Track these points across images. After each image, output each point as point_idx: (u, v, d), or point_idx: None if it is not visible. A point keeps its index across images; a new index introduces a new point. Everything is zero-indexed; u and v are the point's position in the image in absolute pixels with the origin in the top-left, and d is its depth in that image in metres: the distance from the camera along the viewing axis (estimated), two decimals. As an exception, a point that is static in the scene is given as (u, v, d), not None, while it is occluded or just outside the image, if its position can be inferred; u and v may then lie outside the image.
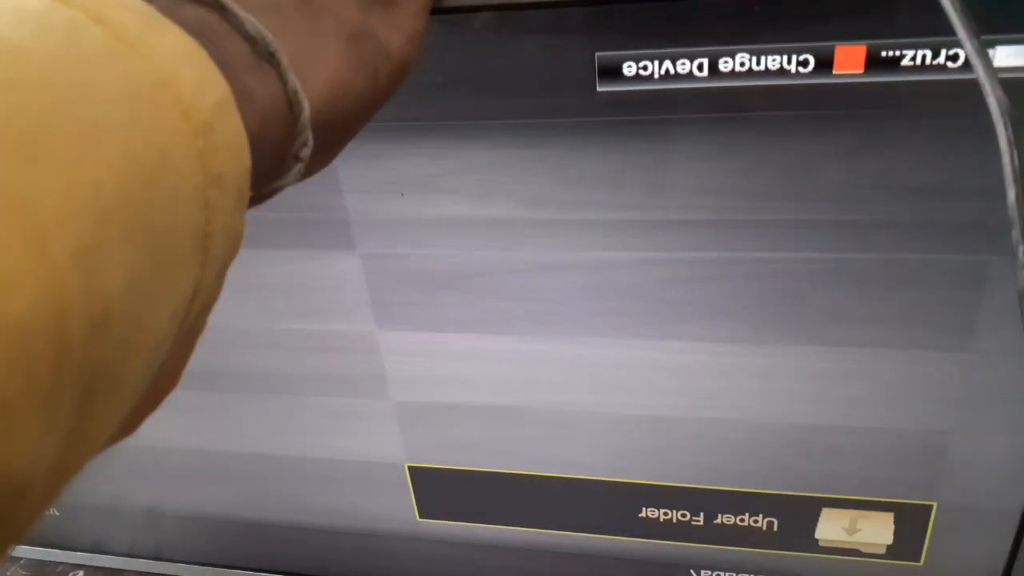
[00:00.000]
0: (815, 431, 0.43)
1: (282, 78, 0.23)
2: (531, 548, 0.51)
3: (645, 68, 0.35)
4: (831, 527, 0.46)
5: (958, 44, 0.27)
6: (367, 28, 0.27)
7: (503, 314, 0.43)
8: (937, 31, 0.32)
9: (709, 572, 0.50)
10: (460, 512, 0.51)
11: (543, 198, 0.39)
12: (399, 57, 0.28)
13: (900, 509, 0.44)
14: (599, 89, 0.35)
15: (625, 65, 0.35)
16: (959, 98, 0.33)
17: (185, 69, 0.19)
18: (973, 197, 0.35)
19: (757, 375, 0.42)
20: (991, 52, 0.32)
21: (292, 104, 0.23)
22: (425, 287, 0.43)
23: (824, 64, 0.33)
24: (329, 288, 0.44)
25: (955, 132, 0.34)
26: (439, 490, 0.50)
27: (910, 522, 0.45)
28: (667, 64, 0.34)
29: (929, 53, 0.32)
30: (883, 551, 0.46)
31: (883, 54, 0.33)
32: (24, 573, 0.62)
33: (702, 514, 0.47)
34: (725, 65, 0.34)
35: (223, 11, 0.22)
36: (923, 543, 0.45)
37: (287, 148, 0.24)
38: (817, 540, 0.47)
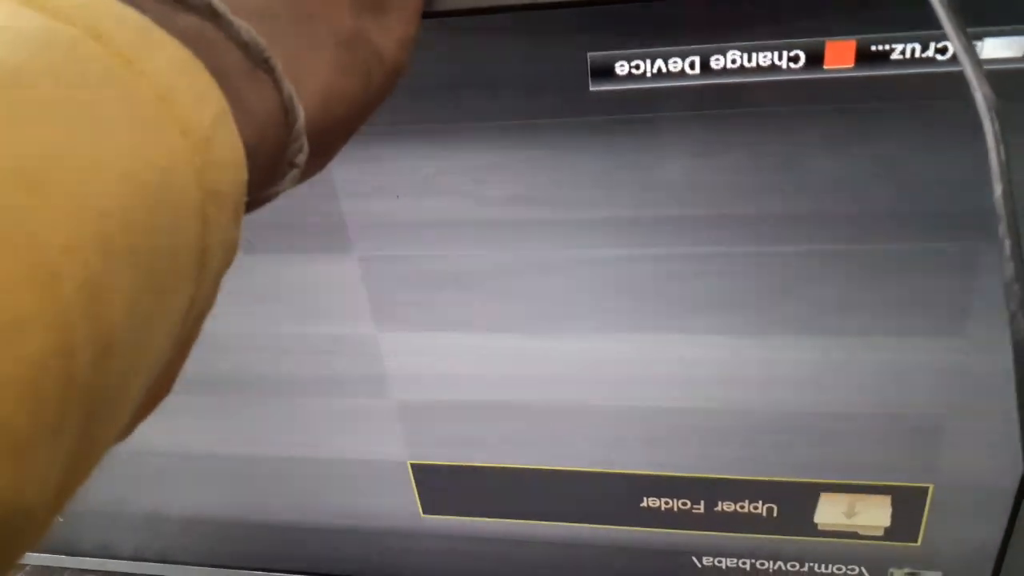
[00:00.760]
0: (812, 418, 0.43)
1: (277, 85, 0.23)
2: (534, 540, 0.52)
3: (637, 67, 0.35)
4: (830, 511, 0.47)
5: (946, 37, 0.28)
6: (360, 34, 0.27)
7: (500, 312, 0.43)
8: (926, 25, 0.32)
9: (711, 559, 0.50)
10: (463, 507, 0.51)
11: (538, 197, 0.39)
12: (392, 61, 0.28)
13: (897, 492, 0.45)
14: (592, 88, 0.36)
15: (617, 64, 0.35)
16: (948, 90, 0.33)
17: (183, 84, 0.19)
18: (964, 186, 0.35)
19: (753, 365, 0.42)
20: (979, 44, 0.32)
21: (287, 111, 0.23)
22: (423, 287, 0.43)
23: (815, 59, 0.33)
24: (328, 291, 0.44)
25: (945, 123, 0.34)
26: (442, 486, 0.51)
27: (907, 504, 0.45)
28: (659, 63, 0.35)
29: (918, 46, 0.33)
30: (881, 533, 0.47)
31: (873, 48, 0.33)
32: (30, 579, 0.62)
33: (703, 502, 0.48)
34: (717, 62, 0.34)
35: (217, 19, 0.22)
36: (920, 524, 0.46)
37: (282, 154, 0.24)
38: (816, 524, 0.48)
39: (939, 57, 0.33)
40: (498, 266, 0.42)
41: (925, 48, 0.33)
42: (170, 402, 0.37)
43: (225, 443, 0.52)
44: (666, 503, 0.48)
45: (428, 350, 0.45)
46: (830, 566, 0.49)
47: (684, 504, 0.48)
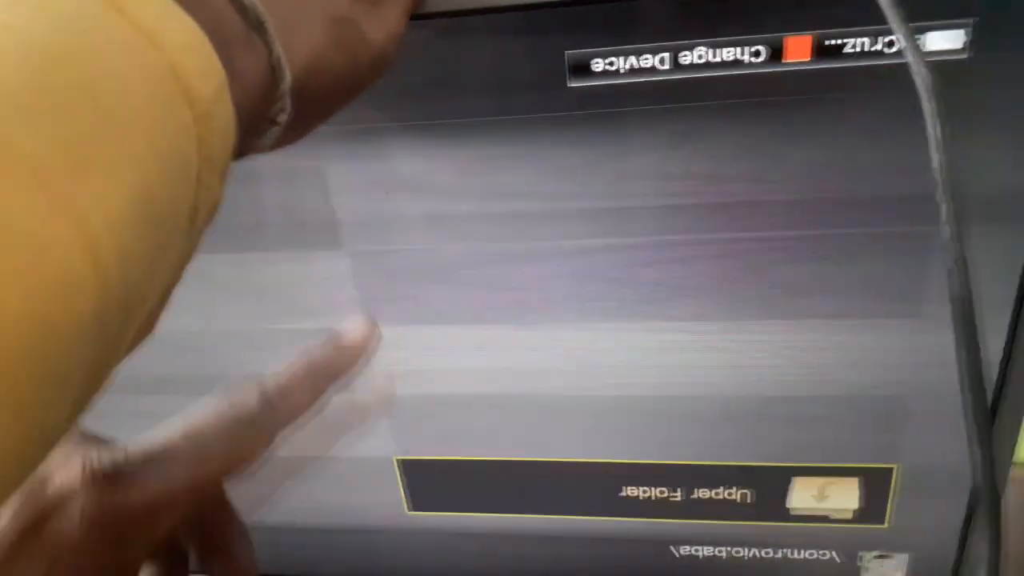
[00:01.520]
0: (783, 402, 0.46)
1: (268, 47, 0.25)
2: (520, 534, 0.53)
3: (612, 64, 0.37)
4: (802, 495, 0.49)
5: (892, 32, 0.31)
6: (351, 16, 0.29)
7: (486, 304, 0.45)
8: (875, 21, 0.35)
9: (688, 548, 0.52)
10: (449, 502, 0.53)
11: (521, 191, 0.41)
12: (379, 50, 0.30)
13: (865, 473, 0.47)
14: (570, 85, 0.38)
15: (593, 62, 0.38)
16: (899, 80, 0.36)
17: (192, 59, 0.20)
18: (916, 172, 0.38)
19: (726, 350, 0.44)
20: (923, 37, 0.35)
21: (274, 70, 0.25)
22: (411, 281, 0.45)
23: (775, 54, 0.36)
24: (319, 287, 0.46)
25: (897, 112, 0.37)
26: (428, 481, 0.52)
27: (874, 485, 0.47)
28: (632, 59, 0.37)
29: (868, 40, 0.36)
30: (851, 516, 0.49)
31: (828, 43, 0.36)
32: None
33: (680, 490, 0.50)
34: (685, 58, 0.37)
35: None
36: (887, 506, 0.48)
37: (265, 111, 0.25)
38: (789, 509, 0.49)
39: (887, 50, 0.35)
40: (484, 258, 0.44)
41: (875, 42, 0.36)
42: (161, 402, 0.39)
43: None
44: (645, 491, 0.50)
45: (415, 343, 0.47)
46: (803, 552, 0.51)
47: (662, 492, 0.50)
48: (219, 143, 0.21)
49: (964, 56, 0.35)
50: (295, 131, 0.28)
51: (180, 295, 0.23)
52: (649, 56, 0.37)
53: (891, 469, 0.47)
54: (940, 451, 0.46)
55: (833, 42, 0.36)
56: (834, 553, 0.51)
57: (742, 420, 0.47)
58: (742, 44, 0.36)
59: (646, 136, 0.39)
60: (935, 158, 0.28)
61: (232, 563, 0.35)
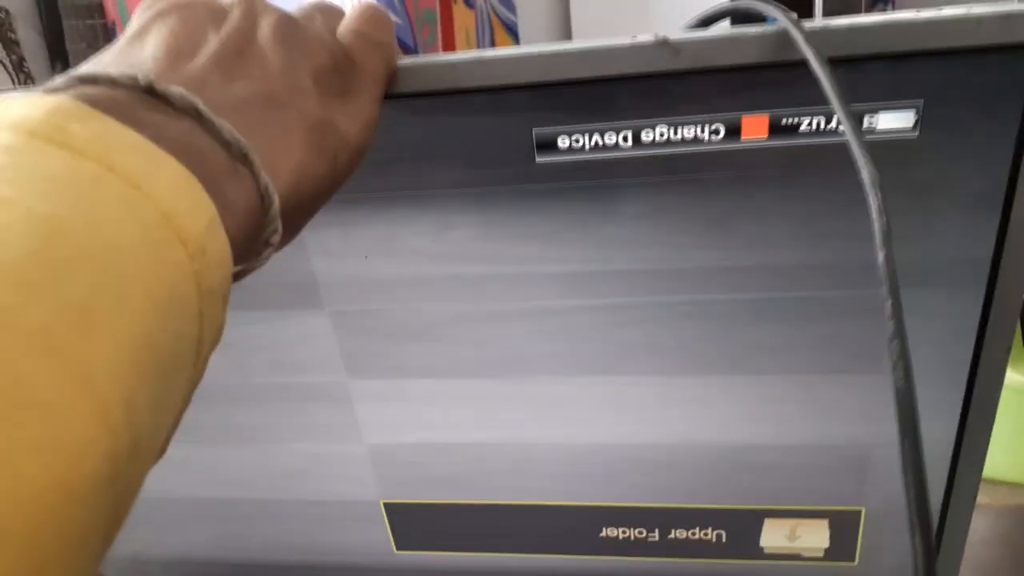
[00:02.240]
0: (753, 450, 0.47)
1: (255, 176, 0.25)
2: (505, 571, 0.55)
3: (577, 140, 0.39)
4: (774, 535, 0.50)
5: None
6: (327, 119, 0.29)
7: (464, 360, 0.47)
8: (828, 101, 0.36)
9: (667, 583, 0.54)
10: (434, 542, 0.54)
11: (495, 255, 0.43)
12: (356, 143, 0.31)
13: (833, 516, 0.49)
14: (538, 160, 0.40)
15: (560, 138, 0.39)
16: (851, 156, 0.37)
17: (182, 200, 0.21)
18: (868, 240, 0.39)
19: (697, 402, 0.46)
20: (875, 117, 0.36)
21: (263, 197, 0.26)
22: (390, 339, 0.47)
23: (733, 132, 0.38)
24: (301, 344, 0.48)
25: (850, 186, 0.38)
26: (414, 523, 0.54)
27: (843, 527, 0.49)
28: (596, 136, 0.39)
29: (823, 119, 0.37)
30: (821, 554, 0.51)
31: (784, 122, 0.37)
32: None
33: (657, 530, 0.52)
34: (647, 136, 0.38)
35: (201, 119, 0.24)
36: (856, 545, 0.50)
37: (258, 236, 0.26)
38: (763, 548, 0.51)
39: (840, 129, 0.37)
40: (461, 317, 0.45)
41: (829, 121, 0.37)
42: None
43: (205, 487, 0.55)
44: (623, 532, 0.52)
45: (397, 396, 0.49)
46: (777, 587, 0.53)
47: (640, 532, 0.52)
48: (217, 274, 0.22)
49: (914, 135, 0.37)
50: (285, 238, 0.29)
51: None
52: (612, 133, 0.38)
53: (859, 511, 0.48)
54: (903, 495, 0.47)
55: (789, 121, 0.37)
56: (807, 588, 0.52)
57: (714, 466, 0.48)
58: (701, 123, 0.38)
59: (612, 207, 0.40)
60: (879, 255, 0.30)
61: None
